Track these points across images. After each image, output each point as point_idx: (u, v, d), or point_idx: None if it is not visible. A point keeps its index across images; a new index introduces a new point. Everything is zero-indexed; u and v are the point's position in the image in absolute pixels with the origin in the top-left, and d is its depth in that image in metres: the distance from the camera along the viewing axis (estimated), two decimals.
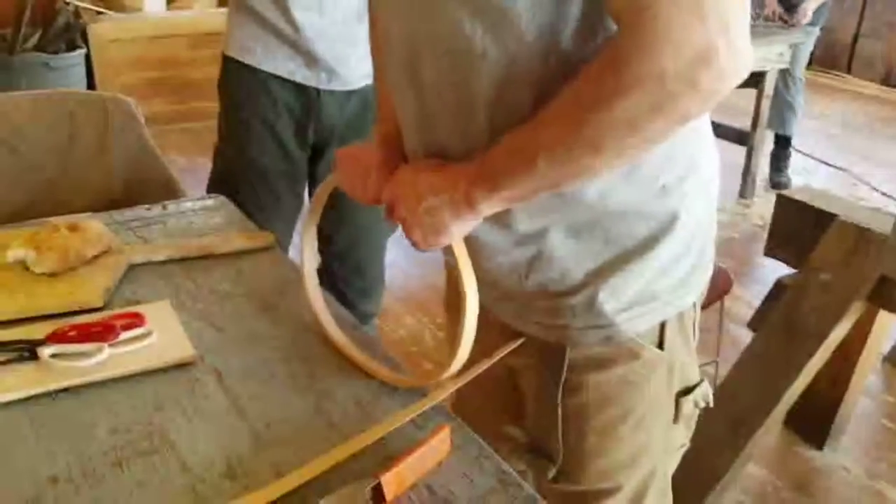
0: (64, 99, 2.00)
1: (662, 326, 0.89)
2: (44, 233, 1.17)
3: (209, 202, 1.49)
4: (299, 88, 1.70)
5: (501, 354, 0.92)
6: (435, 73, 0.79)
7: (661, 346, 0.89)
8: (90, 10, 3.99)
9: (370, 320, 1.89)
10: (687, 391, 0.95)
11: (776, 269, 2.52)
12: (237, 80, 1.73)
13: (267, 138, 1.73)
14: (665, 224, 0.83)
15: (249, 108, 1.73)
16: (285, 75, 1.69)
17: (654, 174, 0.81)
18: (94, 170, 1.96)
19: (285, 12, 1.62)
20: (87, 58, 4.00)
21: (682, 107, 0.65)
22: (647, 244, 0.83)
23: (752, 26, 3.03)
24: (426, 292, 2.83)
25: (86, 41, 3.97)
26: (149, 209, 1.45)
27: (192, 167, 3.78)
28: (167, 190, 1.88)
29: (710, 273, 0.93)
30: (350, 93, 1.72)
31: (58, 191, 1.89)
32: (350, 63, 1.68)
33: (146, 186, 1.87)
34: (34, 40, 3.88)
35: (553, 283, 0.86)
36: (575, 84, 0.69)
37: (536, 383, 0.95)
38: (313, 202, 1.00)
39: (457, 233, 0.81)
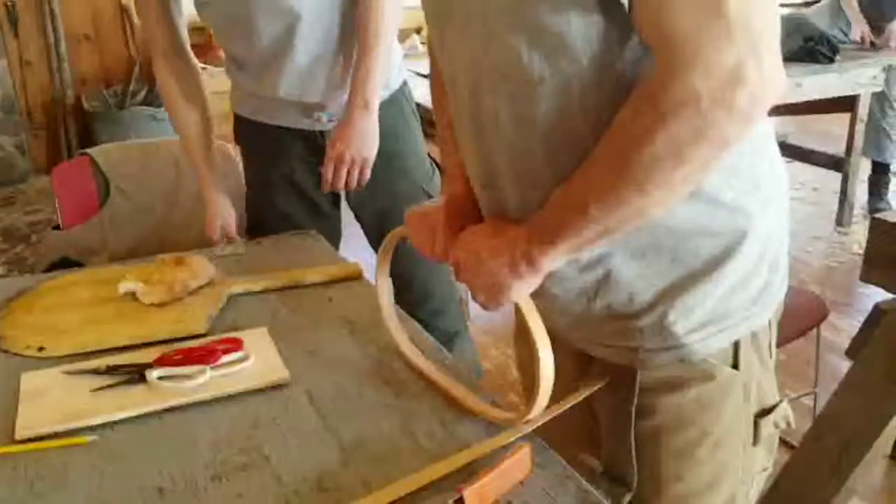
0: (170, 147, 2.15)
1: (736, 346, 0.87)
2: (152, 267, 1.26)
3: (299, 237, 1.56)
4: (303, 133, 1.66)
5: (588, 392, 0.93)
6: (494, 104, 0.80)
7: (735, 366, 0.88)
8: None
9: (458, 338, 1.88)
10: (766, 412, 0.93)
11: (877, 298, 2.42)
12: (251, 133, 1.72)
13: (290, 191, 1.71)
14: (732, 242, 0.82)
15: (264, 157, 1.72)
16: (291, 125, 1.65)
17: (716, 192, 0.80)
18: (198, 211, 2.09)
19: (273, 89, 1.59)
20: None
21: (721, 131, 0.66)
22: (715, 262, 0.82)
23: (844, 49, 2.92)
24: (511, 326, 2.83)
25: None
26: (246, 244, 1.54)
27: None
28: None
29: (783, 292, 0.91)
30: None
31: (165, 231, 2.01)
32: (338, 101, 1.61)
33: (244, 224, 1.98)
34: (142, 95, 4.15)
35: (621, 305, 0.86)
36: (614, 126, 0.70)
37: (609, 407, 0.94)
38: (384, 247, 1.04)
39: (519, 292, 0.83)
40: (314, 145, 1.65)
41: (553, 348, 0.85)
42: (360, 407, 0.97)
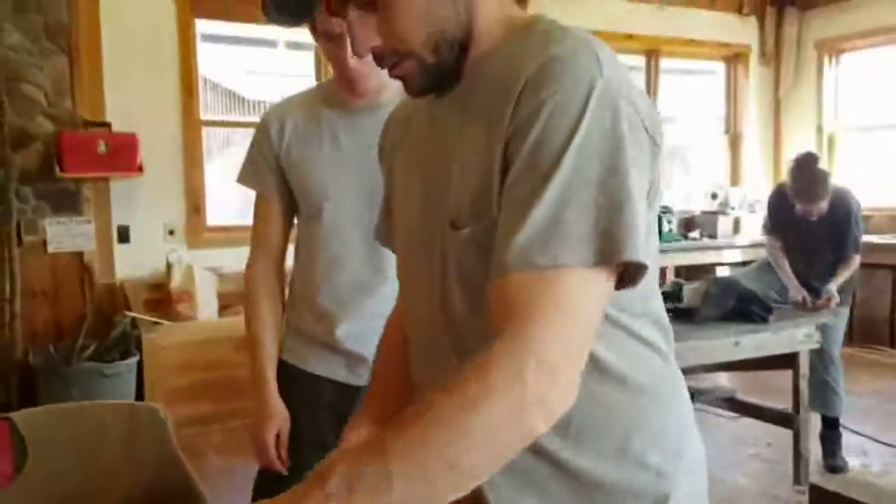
0: (97, 410, 2.08)
1: None
2: None
3: None
4: (343, 386, 1.79)
5: None
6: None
7: None
8: (148, 321, 4.25)
9: None
10: None
11: None
12: (290, 381, 1.84)
13: (308, 435, 1.78)
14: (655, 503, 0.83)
15: (296, 407, 1.81)
16: (333, 377, 1.80)
17: (643, 455, 0.82)
18: (117, 480, 1.97)
19: (330, 332, 1.77)
20: (140, 363, 4.20)
21: (533, 419, 0.67)
22: None
23: (779, 308, 3.01)
24: None
25: (139, 348, 4.19)
26: None
27: (228, 468, 3.77)
28: (189, 500, 1.87)
29: None
30: None
31: (80, 500, 1.89)
32: None
33: (168, 496, 1.87)
34: (90, 351, 4.11)
35: None
36: (435, 394, 0.69)
37: None
38: None
39: None
40: (348, 396, 1.72)
41: None
42: None
